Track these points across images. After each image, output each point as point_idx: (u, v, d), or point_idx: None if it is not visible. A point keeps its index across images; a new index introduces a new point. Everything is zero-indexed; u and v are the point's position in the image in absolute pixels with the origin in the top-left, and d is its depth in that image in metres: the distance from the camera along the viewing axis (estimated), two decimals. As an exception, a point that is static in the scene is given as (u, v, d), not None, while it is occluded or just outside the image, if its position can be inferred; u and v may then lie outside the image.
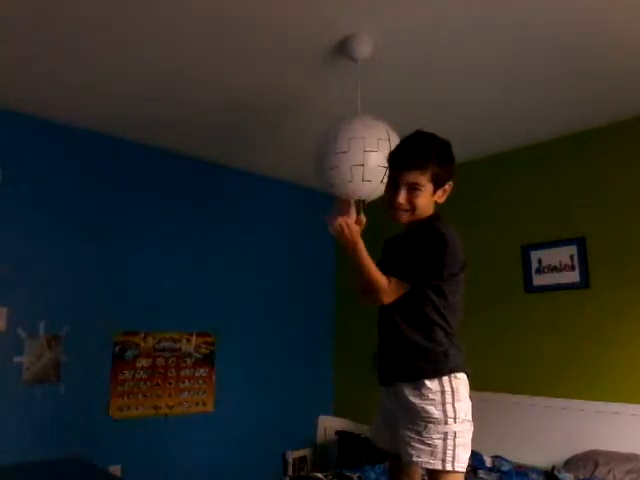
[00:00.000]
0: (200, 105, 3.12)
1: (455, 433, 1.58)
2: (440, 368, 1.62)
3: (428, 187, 1.70)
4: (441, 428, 1.58)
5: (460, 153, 4.15)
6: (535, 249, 3.45)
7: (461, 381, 1.64)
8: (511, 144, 3.62)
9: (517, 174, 3.65)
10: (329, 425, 4.27)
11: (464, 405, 1.62)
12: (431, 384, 1.61)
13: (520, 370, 3.40)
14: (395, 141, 2.33)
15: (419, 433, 1.60)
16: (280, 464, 4.10)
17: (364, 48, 2.42)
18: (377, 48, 2.45)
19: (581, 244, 3.26)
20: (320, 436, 4.31)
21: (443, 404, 1.59)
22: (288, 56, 2.59)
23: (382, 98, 2.88)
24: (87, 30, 2.38)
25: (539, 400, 3.25)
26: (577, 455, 2.95)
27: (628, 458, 2.75)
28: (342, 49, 2.46)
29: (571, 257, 3.29)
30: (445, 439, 1.58)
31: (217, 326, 3.86)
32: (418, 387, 1.62)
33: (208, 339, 3.82)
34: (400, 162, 1.72)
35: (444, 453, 1.57)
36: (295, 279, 4.40)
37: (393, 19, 2.29)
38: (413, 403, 1.61)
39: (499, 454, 3.08)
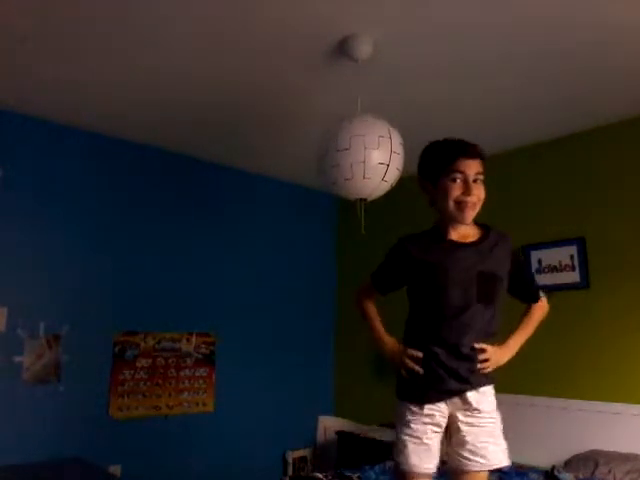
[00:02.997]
0: (200, 105, 3.12)
1: None
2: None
3: (483, 179, 1.67)
4: (499, 426, 1.69)
5: (460, 153, 4.12)
6: (535, 249, 3.45)
7: None
8: (511, 144, 3.62)
9: (517, 174, 3.64)
10: (329, 425, 4.27)
11: None
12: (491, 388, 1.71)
13: (520, 370, 3.39)
14: (396, 139, 2.32)
15: (495, 436, 1.67)
16: (280, 464, 4.10)
17: (364, 48, 2.41)
18: (377, 48, 2.45)
19: (581, 244, 3.26)
20: (320, 436, 4.31)
21: (494, 404, 1.71)
22: (288, 56, 2.59)
23: (382, 98, 2.88)
24: (87, 30, 2.38)
25: (539, 400, 3.25)
26: (577, 455, 2.95)
27: (628, 458, 2.75)
28: (342, 49, 2.46)
29: (571, 257, 3.29)
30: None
31: (217, 326, 3.86)
32: (484, 392, 1.68)
33: (208, 339, 3.81)
34: (466, 150, 1.64)
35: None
36: (295, 279, 4.40)
37: (393, 19, 2.29)
38: (486, 409, 1.67)
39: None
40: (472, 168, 1.63)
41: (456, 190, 1.64)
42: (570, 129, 3.37)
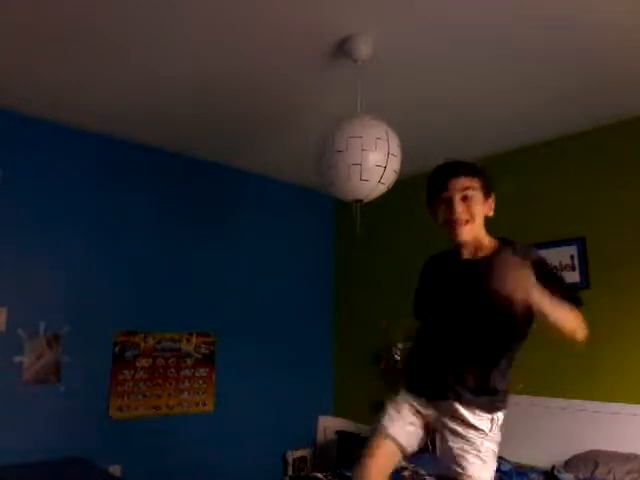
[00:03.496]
0: (200, 105, 3.12)
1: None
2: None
3: (479, 194, 1.66)
4: (491, 448, 1.69)
5: (460, 153, 4.13)
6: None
7: None
8: (511, 144, 3.62)
9: (517, 174, 3.64)
10: (329, 425, 4.27)
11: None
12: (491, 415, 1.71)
13: (520, 370, 3.39)
14: (394, 141, 2.32)
15: (480, 450, 1.64)
16: (280, 464, 4.10)
17: (364, 48, 2.42)
18: (377, 48, 2.45)
19: (581, 244, 3.26)
20: (320, 436, 4.31)
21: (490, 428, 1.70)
22: (288, 56, 2.59)
23: (382, 98, 2.88)
24: (87, 31, 2.38)
25: (539, 400, 3.25)
26: (577, 455, 2.95)
27: (628, 458, 2.75)
28: (342, 49, 2.46)
29: (571, 257, 3.29)
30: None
31: (217, 326, 3.86)
32: (481, 415, 1.68)
33: (208, 339, 3.82)
34: (448, 171, 1.69)
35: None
36: (295, 279, 4.40)
37: (393, 19, 2.28)
38: (480, 427, 1.66)
39: (499, 454, 3.07)
40: (457, 185, 1.65)
41: (441, 212, 1.68)
42: (570, 129, 3.37)
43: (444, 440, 1.68)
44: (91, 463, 2.88)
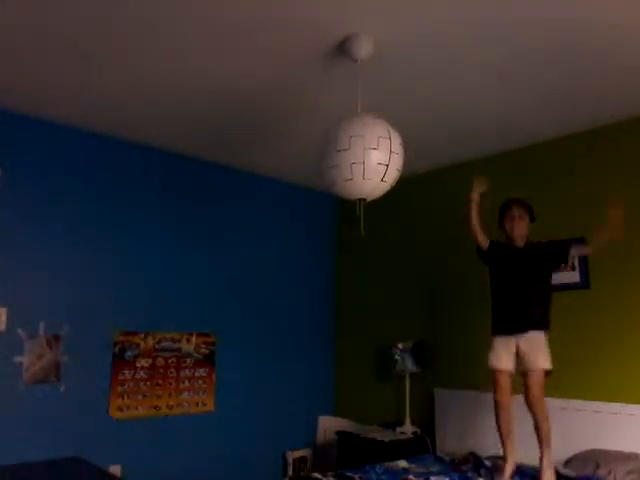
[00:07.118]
0: (200, 105, 3.12)
1: None
2: None
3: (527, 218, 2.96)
4: None
5: (460, 153, 4.15)
6: (535, 249, 3.44)
7: None
8: (511, 143, 3.62)
9: (517, 174, 3.64)
10: (329, 425, 4.27)
11: None
12: None
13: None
14: (396, 139, 2.32)
15: None
16: (280, 464, 4.11)
17: (364, 48, 2.42)
18: (377, 48, 2.45)
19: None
20: (320, 436, 4.31)
21: None
22: (288, 56, 2.59)
23: (382, 98, 2.88)
24: (88, 31, 2.38)
25: (539, 400, 3.24)
26: (577, 455, 2.95)
27: (629, 458, 2.75)
28: (342, 49, 2.47)
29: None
30: None
31: (217, 326, 3.86)
32: None
33: (208, 339, 3.82)
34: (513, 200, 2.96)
35: None
36: (295, 279, 4.40)
37: (393, 19, 2.29)
38: None
39: (499, 454, 3.07)
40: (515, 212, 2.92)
41: (507, 223, 2.94)
42: (570, 129, 3.37)
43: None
44: (91, 463, 2.87)
